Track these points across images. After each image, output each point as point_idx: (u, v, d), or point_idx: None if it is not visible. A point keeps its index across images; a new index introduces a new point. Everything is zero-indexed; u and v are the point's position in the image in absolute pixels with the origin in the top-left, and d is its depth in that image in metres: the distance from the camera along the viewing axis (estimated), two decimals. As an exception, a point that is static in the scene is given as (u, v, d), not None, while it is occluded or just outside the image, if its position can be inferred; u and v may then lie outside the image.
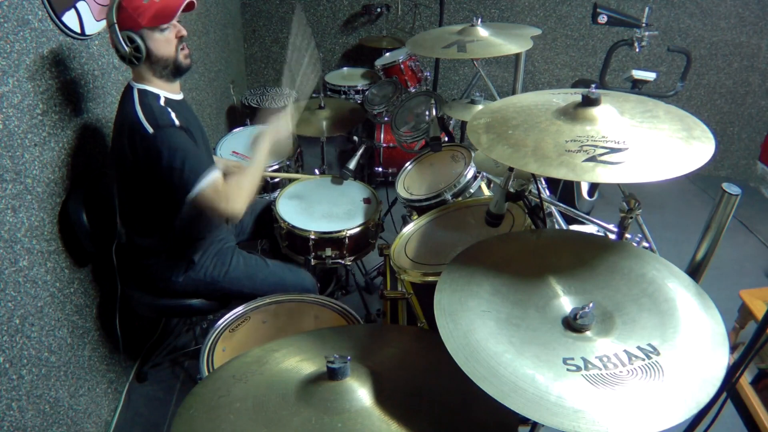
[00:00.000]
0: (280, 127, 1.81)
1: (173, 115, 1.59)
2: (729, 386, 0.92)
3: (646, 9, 2.71)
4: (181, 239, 1.75)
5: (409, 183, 2.08)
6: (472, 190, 1.86)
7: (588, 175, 0.91)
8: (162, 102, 1.62)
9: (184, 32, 1.62)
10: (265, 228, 2.21)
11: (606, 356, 0.86)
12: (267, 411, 0.91)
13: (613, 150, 0.95)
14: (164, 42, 1.58)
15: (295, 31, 1.94)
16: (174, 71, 1.64)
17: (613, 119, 1.04)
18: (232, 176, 1.72)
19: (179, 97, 1.73)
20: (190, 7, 1.58)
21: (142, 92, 1.61)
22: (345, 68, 3.98)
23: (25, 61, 1.52)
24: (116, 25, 1.51)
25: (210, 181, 1.56)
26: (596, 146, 0.96)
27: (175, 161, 1.54)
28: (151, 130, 1.55)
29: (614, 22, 2.70)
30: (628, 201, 1.17)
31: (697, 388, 0.81)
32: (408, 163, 2.18)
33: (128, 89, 1.64)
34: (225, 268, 1.89)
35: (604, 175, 0.90)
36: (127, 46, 1.53)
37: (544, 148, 0.98)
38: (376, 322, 2.42)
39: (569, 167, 0.92)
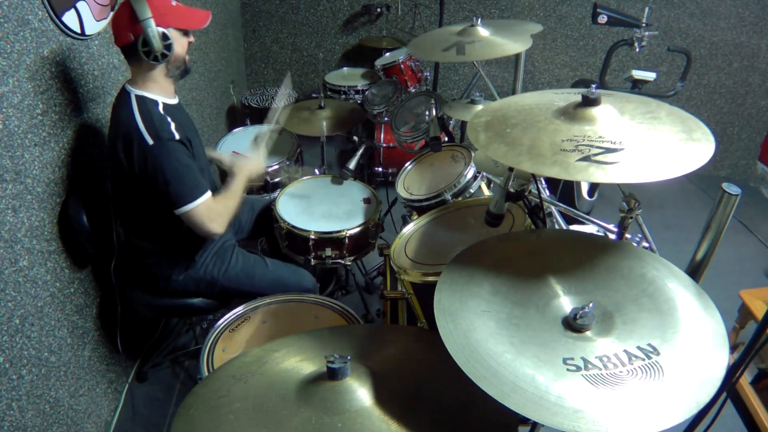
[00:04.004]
0: (252, 168, 1.93)
1: (173, 126, 1.61)
2: (729, 386, 0.92)
3: (646, 9, 2.70)
4: (185, 239, 1.76)
5: (409, 183, 2.08)
6: (472, 190, 1.86)
7: (580, 174, 0.90)
8: (161, 109, 1.63)
9: (193, 39, 1.71)
10: (264, 227, 2.22)
11: (606, 356, 0.86)
12: (267, 411, 0.91)
13: (608, 150, 0.94)
14: (182, 44, 1.65)
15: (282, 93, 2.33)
16: (184, 72, 1.72)
17: (612, 120, 1.03)
18: (221, 197, 1.76)
19: (175, 101, 1.74)
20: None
21: (140, 99, 1.61)
22: (345, 68, 3.98)
23: (25, 61, 1.52)
24: (152, 20, 1.52)
25: (201, 201, 1.62)
26: (592, 146, 0.96)
27: (172, 177, 1.58)
28: (151, 141, 1.56)
29: (614, 22, 2.70)
30: (628, 201, 1.17)
31: (697, 388, 0.81)
32: (408, 163, 2.18)
33: (124, 94, 1.63)
34: (224, 266, 1.90)
35: (596, 174, 0.90)
36: (160, 42, 1.55)
37: (540, 146, 0.98)
38: (374, 322, 2.42)
39: (562, 166, 0.92)
